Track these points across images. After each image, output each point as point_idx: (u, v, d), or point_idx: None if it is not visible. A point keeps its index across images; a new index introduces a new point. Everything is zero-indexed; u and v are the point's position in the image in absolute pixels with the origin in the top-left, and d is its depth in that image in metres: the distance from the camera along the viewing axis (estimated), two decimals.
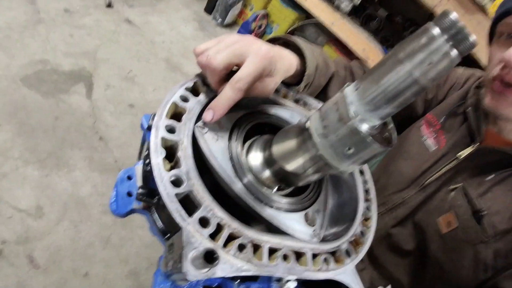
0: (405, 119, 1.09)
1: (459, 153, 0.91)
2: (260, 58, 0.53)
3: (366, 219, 0.62)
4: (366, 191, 0.67)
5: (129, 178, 0.55)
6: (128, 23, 3.16)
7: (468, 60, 2.45)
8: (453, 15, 0.35)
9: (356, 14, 2.99)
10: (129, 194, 0.53)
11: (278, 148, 0.52)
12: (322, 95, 0.87)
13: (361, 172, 0.70)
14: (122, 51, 2.86)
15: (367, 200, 0.65)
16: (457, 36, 0.35)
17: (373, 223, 0.62)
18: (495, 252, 0.81)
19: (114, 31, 2.99)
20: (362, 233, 0.59)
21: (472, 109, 0.93)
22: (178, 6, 3.75)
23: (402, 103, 0.40)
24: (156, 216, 0.52)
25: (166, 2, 3.69)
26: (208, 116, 0.51)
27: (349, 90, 0.42)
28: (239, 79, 0.51)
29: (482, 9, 2.31)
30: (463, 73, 1.07)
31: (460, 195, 0.87)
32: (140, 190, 0.48)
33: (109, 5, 3.17)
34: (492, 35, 0.88)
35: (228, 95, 0.51)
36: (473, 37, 0.35)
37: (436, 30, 0.35)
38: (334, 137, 0.43)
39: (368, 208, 0.64)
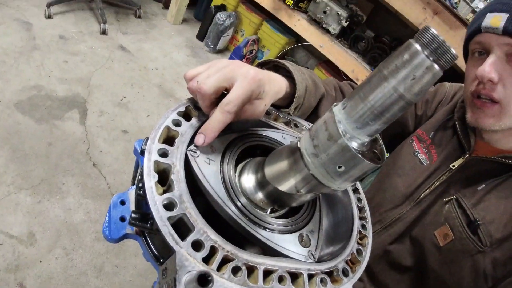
0: (396, 136, 1.11)
1: (451, 165, 0.93)
2: (248, 81, 0.54)
3: (361, 237, 0.62)
4: (360, 209, 0.67)
5: (122, 203, 0.55)
6: (122, 50, 3.22)
7: (455, 75, 2.51)
8: (433, 30, 0.36)
9: (344, 36, 3.07)
10: (122, 219, 0.53)
11: (271, 170, 0.52)
12: (313, 116, 0.89)
13: (355, 191, 0.70)
14: (116, 78, 2.90)
15: (361, 218, 0.65)
16: (438, 50, 0.36)
17: (369, 241, 0.62)
18: (493, 261, 0.81)
19: (108, 58, 3.04)
20: (359, 252, 0.58)
21: (460, 122, 0.95)
22: (170, 33, 3.83)
23: (389, 119, 0.41)
24: (149, 241, 0.52)
25: (159, 30, 3.77)
26: (199, 140, 0.51)
27: (337, 109, 0.43)
28: (229, 102, 0.52)
29: (466, 24, 2.36)
30: (450, 88, 1.10)
31: (454, 207, 0.88)
32: (133, 215, 0.47)
33: (103, 32, 3.24)
34: (466, 53, 0.92)
35: (218, 118, 0.52)
36: (453, 50, 0.36)
37: (417, 46, 0.37)
38: (325, 156, 0.43)
39: (363, 226, 0.64)
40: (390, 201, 1.01)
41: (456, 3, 2.42)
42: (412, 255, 0.94)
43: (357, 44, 3.02)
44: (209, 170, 0.51)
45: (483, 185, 0.86)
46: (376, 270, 1.01)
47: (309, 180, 0.47)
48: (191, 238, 0.42)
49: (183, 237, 0.42)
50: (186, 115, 0.55)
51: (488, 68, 0.77)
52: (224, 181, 0.52)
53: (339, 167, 0.43)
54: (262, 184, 0.54)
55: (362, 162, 0.42)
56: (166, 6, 4.11)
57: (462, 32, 2.38)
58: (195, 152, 0.51)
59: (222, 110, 0.52)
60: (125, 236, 0.53)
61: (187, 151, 0.50)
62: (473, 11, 2.42)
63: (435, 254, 0.88)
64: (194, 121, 0.55)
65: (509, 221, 0.81)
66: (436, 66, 0.37)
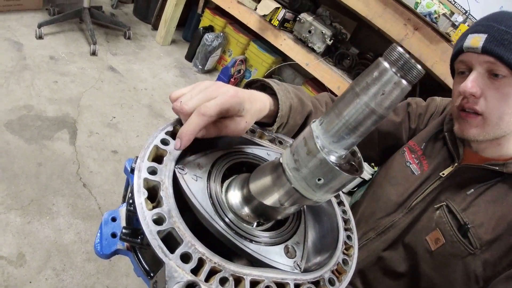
0: (391, 148, 1.16)
1: (441, 173, 0.98)
2: (227, 96, 0.56)
3: (347, 248, 0.64)
4: (346, 221, 0.69)
5: (114, 219, 0.56)
6: (112, 71, 3.24)
7: (443, 89, 2.58)
8: (400, 49, 0.39)
9: (329, 54, 3.14)
10: (113, 235, 0.54)
11: (255, 185, 0.54)
12: (300, 133, 0.91)
13: (340, 203, 0.73)
14: (106, 98, 2.91)
15: (347, 229, 0.68)
16: (404, 66, 0.39)
17: (354, 251, 0.64)
18: (483, 263, 0.84)
19: (98, 79, 3.06)
20: (345, 262, 0.60)
21: (449, 133, 1.01)
22: (159, 54, 3.88)
23: (363, 133, 0.44)
24: (140, 256, 0.53)
25: (148, 50, 3.82)
26: (176, 144, 0.53)
27: (315, 125, 0.46)
28: (205, 106, 0.54)
29: (446, 38, 2.45)
30: (440, 102, 1.17)
31: (444, 212, 0.92)
32: (124, 230, 0.49)
33: (93, 53, 3.27)
34: (453, 72, 0.98)
35: (194, 121, 0.53)
36: (419, 66, 0.39)
37: (386, 64, 0.40)
38: (305, 169, 0.46)
39: (348, 237, 0.66)
40: (383, 209, 1.05)
41: (435, 18, 2.50)
42: (405, 261, 0.97)
43: (342, 61, 3.09)
44: (196, 187, 0.53)
45: (472, 190, 0.90)
46: (370, 277, 1.03)
47: (292, 194, 0.49)
48: (179, 250, 0.44)
49: (172, 250, 0.43)
50: (174, 134, 0.58)
51: (470, 84, 0.84)
52: (211, 197, 0.54)
53: (319, 179, 0.45)
54: (247, 199, 0.56)
55: (340, 174, 0.44)
56: (155, 27, 4.18)
57: (443, 46, 2.47)
58: (183, 170, 0.53)
59: (198, 113, 0.53)
60: (116, 252, 0.54)
61: (175, 169, 0.52)
62: (453, 25, 2.50)
63: (427, 259, 0.91)
64: None
65: (498, 224, 0.85)
66: (404, 82, 0.39)
